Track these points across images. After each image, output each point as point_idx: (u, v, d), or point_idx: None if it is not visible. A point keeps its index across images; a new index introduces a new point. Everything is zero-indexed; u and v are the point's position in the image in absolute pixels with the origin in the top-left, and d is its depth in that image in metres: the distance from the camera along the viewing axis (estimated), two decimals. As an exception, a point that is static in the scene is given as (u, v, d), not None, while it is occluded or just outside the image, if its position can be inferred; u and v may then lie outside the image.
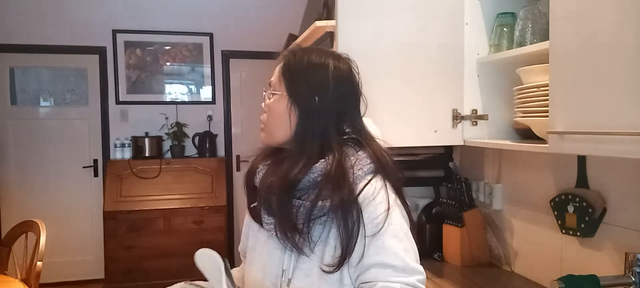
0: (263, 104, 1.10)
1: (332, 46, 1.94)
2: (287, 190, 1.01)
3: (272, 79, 1.09)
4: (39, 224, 2.63)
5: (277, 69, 1.09)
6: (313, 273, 1.01)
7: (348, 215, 0.96)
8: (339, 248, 0.97)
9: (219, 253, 1.01)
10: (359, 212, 0.97)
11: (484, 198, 2.03)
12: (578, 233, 1.52)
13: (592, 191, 1.51)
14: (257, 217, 1.09)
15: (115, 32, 4.53)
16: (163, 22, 4.61)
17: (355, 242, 0.96)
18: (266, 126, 1.09)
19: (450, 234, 2.04)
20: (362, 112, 1.12)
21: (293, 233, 0.99)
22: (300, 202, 1.00)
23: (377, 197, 1.00)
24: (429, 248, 2.12)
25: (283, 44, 3.30)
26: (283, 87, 1.06)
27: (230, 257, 4.76)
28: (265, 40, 4.65)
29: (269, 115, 1.08)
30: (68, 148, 4.50)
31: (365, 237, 0.97)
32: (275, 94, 1.07)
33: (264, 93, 1.10)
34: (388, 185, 1.04)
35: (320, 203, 0.97)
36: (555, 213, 1.61)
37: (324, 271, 0.99)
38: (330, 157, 1.00)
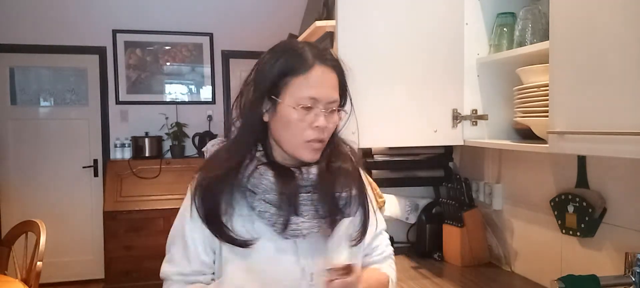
0: (328, 123, 1.04)
1: (332, 46, 1.94)
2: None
3: (335, 95, 1.05)
4: (39, 224, 2.63)
5: (336, 82, 1.06)
6: (345, 254, 1.09)
7: (367, 195, 1.16)
8: (360, 224, 1.12)
9: None
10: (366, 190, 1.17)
11: (484, 198, 2.03)
12: (578, 233, 1.52)
13: (592, 191, 1.51)
14: (285, 229, 1.04)
15: (115, 32, 4.53)
16: (163, 22, 4.61)
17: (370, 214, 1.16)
18: (324, 141, 1.07)
19: (450, 234, 2.04)
20: None
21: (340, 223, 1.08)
22: (344, 193, 1.09)
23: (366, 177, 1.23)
24: (429, 248, 2.12)
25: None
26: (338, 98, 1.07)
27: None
28: (265, 40, 4.61)
29: (330, 130, 1.06)
30: (68, 149, 4.50)
31: (374, 210, 1.19)
32: (339, 109, 1.08)
33: (327, 111, 1.04)
34: None
35: (355, 190, 1.11)
36: (555, 213, 1.61)
37: (352, 247, 1.11)
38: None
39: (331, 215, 1.06)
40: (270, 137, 1.09)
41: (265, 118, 1.06)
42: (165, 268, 1.12)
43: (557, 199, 1.60)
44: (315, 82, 1.02)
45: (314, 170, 1.06)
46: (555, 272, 1.63)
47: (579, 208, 1.51)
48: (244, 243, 1.03)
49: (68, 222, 4.47)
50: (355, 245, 1.11)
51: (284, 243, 1.05)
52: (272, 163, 1.07)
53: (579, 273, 1.24)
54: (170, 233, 1.14)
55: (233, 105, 1.12)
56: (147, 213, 4.12)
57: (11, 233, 2.84)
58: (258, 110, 1.05)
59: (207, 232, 1.06)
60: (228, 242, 1.04)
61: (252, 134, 1.07)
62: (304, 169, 1.06)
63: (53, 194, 4.46)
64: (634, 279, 1.21)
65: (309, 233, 1.04)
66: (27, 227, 2.75)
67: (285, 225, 1.02)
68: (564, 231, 1.58)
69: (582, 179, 1.54)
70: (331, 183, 1.07)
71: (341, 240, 1.07)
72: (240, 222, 1.05)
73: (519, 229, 1.88)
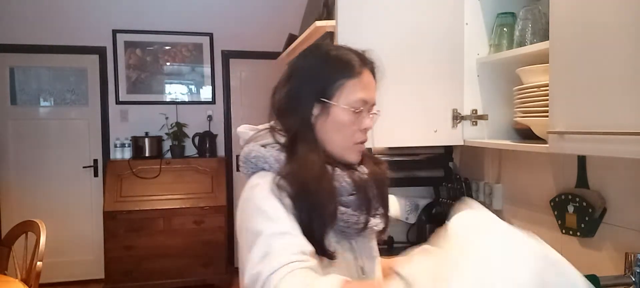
0: (372, 123, 1.09)
1: (332, 46, 1.94)
2: None
3: (376, 98, 1.10)
4: (39, 224, 2.63)
5: (375, 85, 1.10)
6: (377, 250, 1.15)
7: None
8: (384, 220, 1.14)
9: None
10: None
11: (484, 198, 2.03)
12: (578, 233, 1.52)
13: (592, 191, 1.51)
14: (365, 229, 1.06)
15: (115, 32, 4.53)
16: (163, 22, 4.61)
17: None
18: (366, 143, 1.12)
19: (450, 234, 2.03)
20: None
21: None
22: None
23: None
24: (429, 249, 2.12)
25: (283, 44, 3.30)
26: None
27: (230, 257, 4.76)
28: (265, 40, 4.65)
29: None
30: (68, 149, 4.50)
31: None
32: (377, 112, 1.12)
33: (373, 113, 1.10)
34: None
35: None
36: (555, 213, 1.61)
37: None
38: None
39: (385, 211, 1.11)
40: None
41: (313, 120, 1.05)
42: (275, 257, 0.88)
43: (557, 199, 1.60)
44: (365, 85, 1.06)
45: (365, 169, 1.10)
46: (555, 272, 1.63)
47: (579, 208, 1.51)
48: (331, 255, 0.99)
49: (68, 222, 4.47)
50: (381, 240, 1.18)
51: (344, 243, 1.06)
52: (337, 165, 1.06)
53: (579, 273, 1.24)
54: (247, 238, 0.96)
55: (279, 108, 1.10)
56: (147, 213, 4.12)
57: (11, 233, 2.84)
58: (310, 112, 1.04)
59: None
60: (319, 253, 0.96)
61: (313, 135, 1.05)
62: (359, 169, 1.10)
63: (53, 194, 4.46)
64: (633, 279, 1.21)
65: (369, 231, 1.08)
66: (27, 227, 2.75)
67: (366, 225, 1.04)
68: (564, 231, 1.58)
69: (582, 179, 1.54)
70: (382, 181, 1.12)
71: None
72: None
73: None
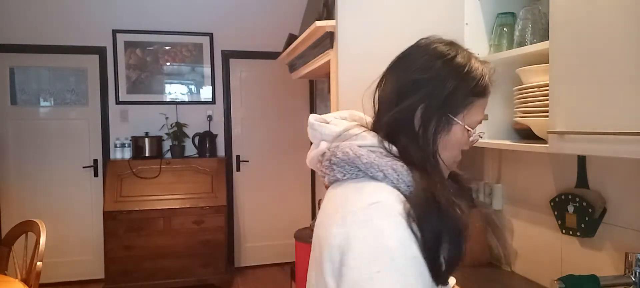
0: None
1: (332, 46, 1.94)
2: None
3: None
4: (39, 224, 2.63)
5: None
6: None
7: None
8: None
9: None
10: None
11: (484, 198, 2.03)
12: (578, 233, 1.52)
13: (592, 191, 1.51)
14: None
15: (115, 32, 4.53)
16: (163, 22, 4.61)
17: None
18: None
19: (450, 234, 2.03)
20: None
21: None
22: None
23: None
24: (429, 248, 2.12)
25: (283, 44, 3.30)
26: None
27: (230, 257, 4.76)
28: (265, 40, 4.65)
29: None
30: (68, 149, 4.50)
31: None
32: None
33: (481, 132, 1.01)
34: None
35: None
36: (555, 213, 1.61)
37: None
38: None
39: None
40: None
41: (435, 135, 0.92)
42: None
43: (557, 199, 1.60)
44: (486, 105, 0.97)
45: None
46: (555, 272, 1.63)
47: (579, 208, 1.51)
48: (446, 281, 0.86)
49: (68, 222, 4.47)
50: None
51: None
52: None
53: (579, 273, 1.24)
54: (359, 273, 0.78)
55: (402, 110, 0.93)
56: (147, 213, 4.12)
57: (11, 233, 2.84)
58: (437, 128, 0.91)
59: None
60: (437, 282, 0.83)
61: (436, 154, 0.92)
62: None
63: (53, 194, 4.46)
64: (634, 279, 1.21)
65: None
66: (27, 227, 2.75)
67: (465, 238, 0.88)
68: (564, 231, 1.58)
69: (582, 179, 1.54)
70: None
71: None
72: None
73: (519, 229, 1.88)
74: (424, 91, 0.91)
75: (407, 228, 0.80)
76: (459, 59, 0.94)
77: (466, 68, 0.93)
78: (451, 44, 0.97)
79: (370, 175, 0.87)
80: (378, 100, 0.98)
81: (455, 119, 0.92)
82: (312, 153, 1.01)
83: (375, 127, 0.96)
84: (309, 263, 0.97)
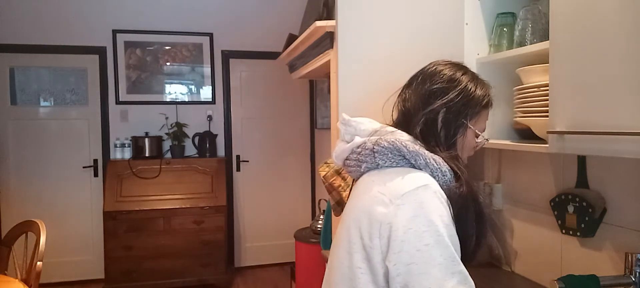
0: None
1: (332, 46, 1.94)
2: None
3: None
4: (39, 224, 2.63)
5: None
6: None
7: None
8: None
9: None
10: None
11: (484, 198, 2.03)
12: (578, 233, 1.52)
13: (592, 191, 1.51)
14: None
15: (115, 32, 4.53)
16: (163, 22, 4.61)
17: None
18: None
19: (450, 234, 2.03)
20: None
21: None
22: None
23: None
24: (429, 248, 2.12)
25: (283, 44, 3.30)
26: None
27: (230, 257, 4.76)
28: (265, 40, 4.65)
29: None
30: (68, 149, 4.50)
31: None
32: None
33: (485, 138, 1.19)
34: None
35: None
36: (555, 213, 1.61)
37: None
38: None
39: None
40: None
41: (457, 138, 1.11)
42: None
43: (557, 199, 1.60)
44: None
45: None
46: (555, 272, 1.63)
47: (579, 208, 1.51)
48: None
49: (68, 222, 4.47)
50: None
51: None
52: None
53: (579, 273, 1.24)
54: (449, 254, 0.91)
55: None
56: (147, 213, 4.12)
57: (11, 233, 2.84)
58: (462, 132, 1.10)
59: None
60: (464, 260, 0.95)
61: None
62: None
63: (53, 194, 4.46)
64: (634, 279, 1.21)
65: None
66: (27, 227, 2.75)
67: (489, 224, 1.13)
68: (564, 231, 1.58)
69: (582, 179, 1.54)
70: None
71: None
72: None
73: (519, 229, 1.88)
74: (446, 99, 1.08)
75: (449, 210, 0.94)
76: (473, 77, 1.14)
77: (477, 82, 1.13)
78: (459, 64, 1.17)
79: (413, 162, 1.00)
80: (403, 107, 1.14)
81: (468, 123, 1.10)
82: (346, 146, 1.11)
83: (402, 130, 1.09)
84: (336, 242, 1.06)
